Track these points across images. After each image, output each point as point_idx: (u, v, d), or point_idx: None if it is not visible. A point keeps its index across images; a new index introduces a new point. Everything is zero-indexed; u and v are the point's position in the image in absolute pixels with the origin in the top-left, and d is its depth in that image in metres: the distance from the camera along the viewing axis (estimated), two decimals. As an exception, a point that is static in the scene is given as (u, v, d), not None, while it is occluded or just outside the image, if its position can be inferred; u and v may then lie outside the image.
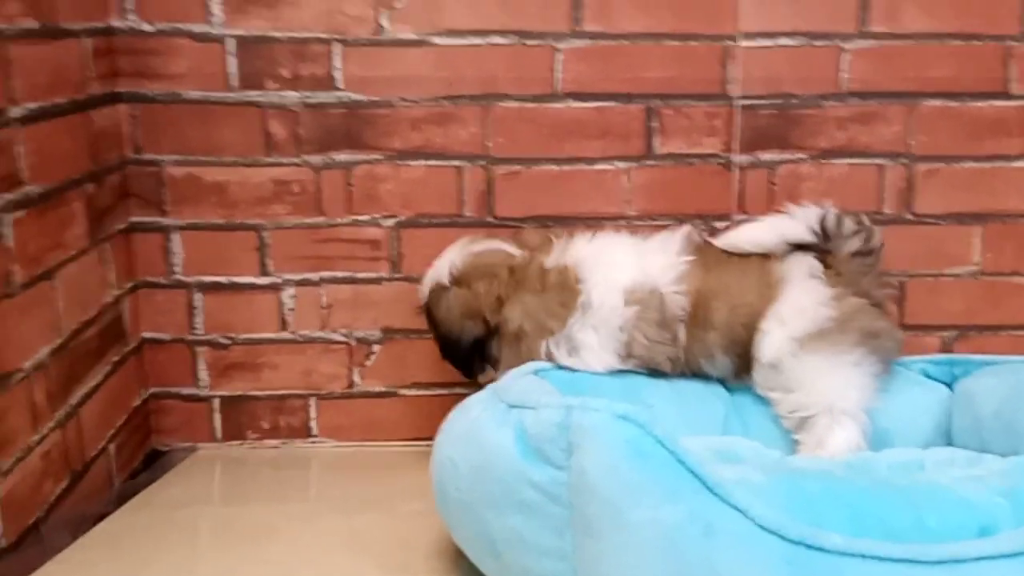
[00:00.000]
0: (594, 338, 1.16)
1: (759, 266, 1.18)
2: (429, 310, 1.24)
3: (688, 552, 0.77)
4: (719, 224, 1.40)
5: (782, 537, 0.76)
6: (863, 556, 0.75)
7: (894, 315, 1.36)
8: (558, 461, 0.85)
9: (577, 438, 0.84)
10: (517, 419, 0.90)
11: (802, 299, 1.13)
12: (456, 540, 1.00)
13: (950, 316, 1.44)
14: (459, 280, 1.21)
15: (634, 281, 1.16)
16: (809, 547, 0.76)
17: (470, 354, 1.21)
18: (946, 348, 1.44)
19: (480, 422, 0.94)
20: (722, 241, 1.21)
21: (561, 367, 1.16)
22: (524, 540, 0.87)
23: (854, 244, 1.17)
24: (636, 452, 0.81)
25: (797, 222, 1.17)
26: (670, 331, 1.16)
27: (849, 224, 1.17)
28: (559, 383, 1.09)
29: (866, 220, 1.20)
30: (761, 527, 0.77)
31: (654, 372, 1.18)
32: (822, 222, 1.16)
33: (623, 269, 1.17)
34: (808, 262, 1.16)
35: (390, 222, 1.40)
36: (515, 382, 1.02)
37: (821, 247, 1.16)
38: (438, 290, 1.22)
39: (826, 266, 1.16)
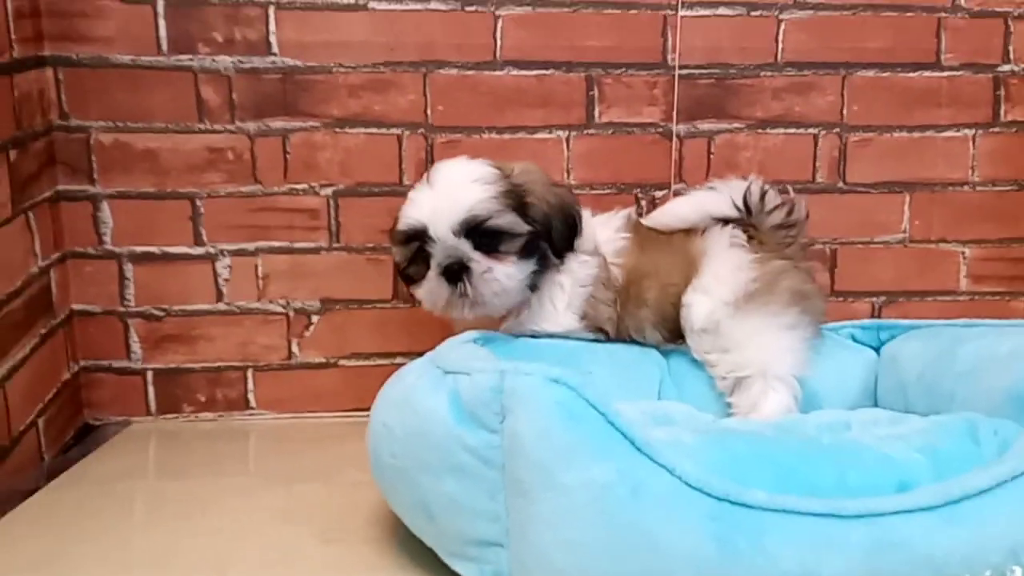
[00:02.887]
0: (562, 296, 1.15)
1: (683, 243, 1.20)
2: (521, 197, 1.11)
3: (617, 511, 0.78)
4: (658, 193, 1.42)
5: (707, 494, 0.78)
6: (785, 511, 0.77)
7: (821, 284, 1.39)
8: (492, 425, 0.86)
9: (510, 402, 0.84)
10: (452, 384, 0.90)
11: (722, 267, 1.16)
12: (391, 506, 1.00)
13: (879, 283, 1.48)
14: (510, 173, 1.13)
15: (593, 240, 1.18)
16: (733, 503, 0.77)
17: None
18: (875, 314, 1.48)
19: (415, 388, 0.94)
20: (649, 219, 1.24)
21: (497, 338, 1.15)
22: (458, 503, 0.88)
23: (776, 217, 1.20)
24: (567, 414, 0.82)
25: (720, 196, 1.19)
26: (612, 292, 1.18)
27: (772, 197, 1.20)
28: (498, 350, 1.10)
29: (791, 193, 1.22)
30: (687, 484, 0.78)
31: (596, 336, 1.19)
32: (745, 196, 1.18)
33: (590, 226, 1.18)
34: (728, 233, 1.18)
35: (328, 191, 1.38)
36: (453, 350, 1.02)
37: (745, 221, 1.19)
38: (520, 183, 1.11)
39: (750, 237, 1.18)
